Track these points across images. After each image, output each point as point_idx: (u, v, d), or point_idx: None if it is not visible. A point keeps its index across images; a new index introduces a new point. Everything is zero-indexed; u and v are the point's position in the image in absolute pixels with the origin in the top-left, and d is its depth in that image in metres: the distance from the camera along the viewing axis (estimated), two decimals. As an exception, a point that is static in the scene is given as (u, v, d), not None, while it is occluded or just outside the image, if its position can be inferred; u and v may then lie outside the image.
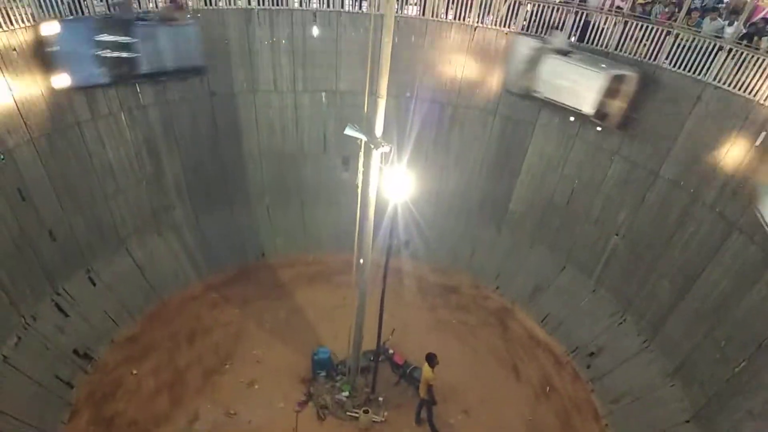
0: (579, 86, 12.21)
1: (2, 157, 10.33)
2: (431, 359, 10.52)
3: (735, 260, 10.61)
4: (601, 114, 12.24)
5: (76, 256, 12.45)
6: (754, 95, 10.51)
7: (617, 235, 13.35)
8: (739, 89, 10.77)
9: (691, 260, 11.57)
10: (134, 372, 12.04)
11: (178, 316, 13.67)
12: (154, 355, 12.53)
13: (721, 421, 9.96)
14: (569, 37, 13.19)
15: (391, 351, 12.71)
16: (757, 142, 10.41)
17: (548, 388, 12.83)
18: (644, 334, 12.48)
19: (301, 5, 14.07)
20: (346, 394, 11.75)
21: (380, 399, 11.92)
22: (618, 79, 11.82)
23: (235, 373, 12.29)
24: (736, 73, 10.87)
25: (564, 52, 12.61)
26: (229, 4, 13.50)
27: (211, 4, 13.28)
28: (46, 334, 11.32)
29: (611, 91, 11.88)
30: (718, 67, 11.12)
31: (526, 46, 13.07)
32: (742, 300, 10.30)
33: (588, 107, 12.21)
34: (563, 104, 12.80)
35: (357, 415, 11.40)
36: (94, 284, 12.80)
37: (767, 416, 9.00)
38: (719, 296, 10.83)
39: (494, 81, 14.36)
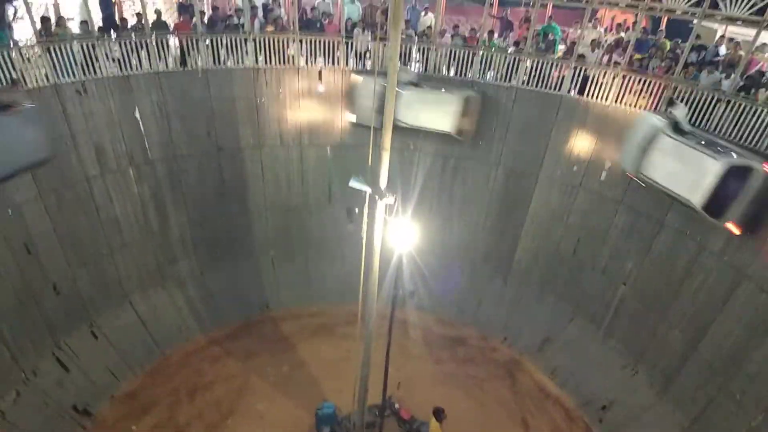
0: (689, 173, 10.46)
1: (10, 211, 10.45)
2: (438, 414, 10.23)
3: (746, 309, 10.45)
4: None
5: (79, 309, 12.41)
6: (756, 146, 10.62)
7: (625, 284, 13.22)
8: (740, 140, 10.90)
9: (701, 310, 11.40)
10: (134, 428, 11.75)
11: (179, 371, 13.43)
12: (155, 411, 12.24)
13: (741, 480, 9.58)
14: (569, 91, 13.50)
15: (397, 405, 12.39)
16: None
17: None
18: (657, 387, 12.16)
19: (306, 63, 14.51)
20: (351, 451, 11.41)
21: (386, 456, 11.54)
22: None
23: (237, 429, 11.97)
24: (736, 124, 11.05)
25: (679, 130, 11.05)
26: (237, 63, 13.93)
27: (219, 64, 13.70)
28: (46, 390, 11.13)
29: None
30: (718, 118, 11.32)
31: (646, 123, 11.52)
32: (756, 350, 10.10)
33: (698, 197, 10.33)
34: (669, 190, 11.04)
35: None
36: (96, 338, 12.68)
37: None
38: (732, 347, 10.61)
39: (496, 133, 14.59)
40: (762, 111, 10.63)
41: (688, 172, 10.42)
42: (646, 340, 12.62)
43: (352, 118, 14.71)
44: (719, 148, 10.23)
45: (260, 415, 12.36)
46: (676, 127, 11.01)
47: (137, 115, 12.77)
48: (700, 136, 10.87)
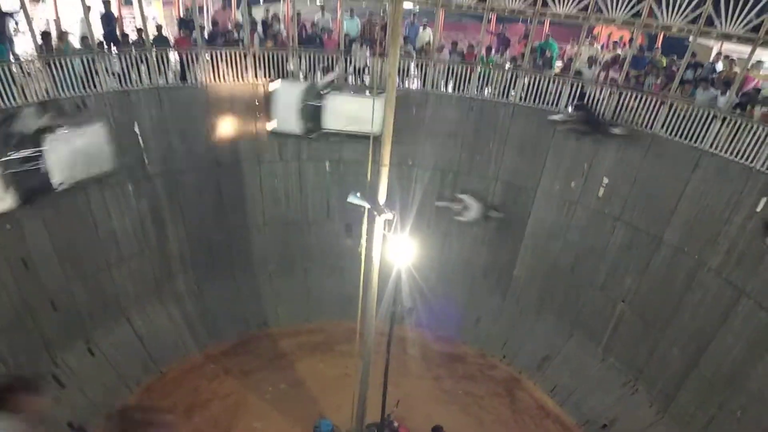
0: None
1: (9, 226, 10.42)
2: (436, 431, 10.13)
3: (745, 326, 10.43)
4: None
5: (76, 325, 12.32)
6: (752, 162, 10.67)
7: (623, 301, 13.19)
8: (736, 156, 10.95)
9: (700, 327, 11.37)
10: (129, 447, 11.57)
11: (176, 389, 13.31)
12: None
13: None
14: (566, 106, 13.56)
15: (395, 423, 12.22)
16: (758, 208, 10.47)
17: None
18: (657, 404, 12.08)
19: (305, 79, 14.57)
20: (349, 469, 11.26)
21: (384, 475, 11.39)
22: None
23: (234, 448, 11.85)
24: (732, 140, 11.10)
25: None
26: (237, 80, 13.97)
27: (220, 80, 13.76)
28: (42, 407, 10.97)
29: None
30: (714, 135, 11.37)
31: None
32: (756, 368, 10.06)
33: None
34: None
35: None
36: (93, 355, 12.58)
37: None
38: (732, 364, 10.57)
39: (494, 149, 14.63)
40: (757, 128, 10.69)
41: None
42: (645, 357, 12.56)
43: (273, 125, 14.62)
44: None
45: (257, 433, 12.25)
46: None
47: (136, 129, 12.79)
48: None
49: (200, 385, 13.46)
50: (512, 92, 14.05)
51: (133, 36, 13.45)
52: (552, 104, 13.68)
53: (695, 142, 11.63)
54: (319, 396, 13.31)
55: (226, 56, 13.62)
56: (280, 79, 14.12)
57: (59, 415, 11.25)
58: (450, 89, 14.63)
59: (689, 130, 11.73)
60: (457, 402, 13.60)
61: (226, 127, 14.21)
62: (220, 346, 14.72)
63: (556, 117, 13.24)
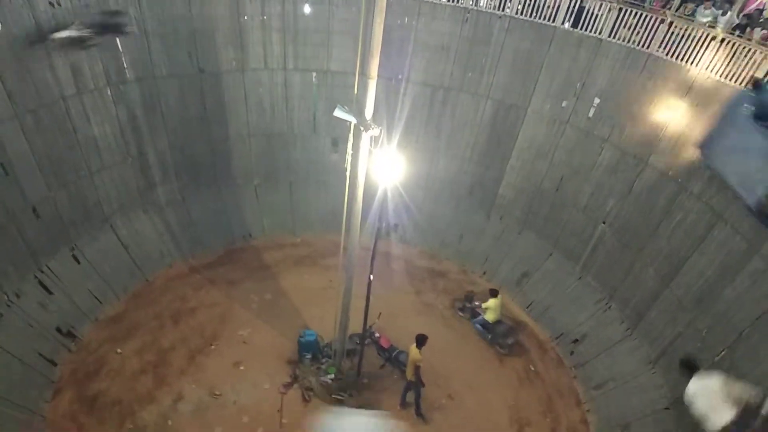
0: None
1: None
2: (420, 340, 10.55)
3: (720, 250, 10.69)
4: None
5: (60, 233, 12.28)
6: (746, 86, 10.49)
7: (604, 222, 13.41)
8: (731, 80, 10.77)
9: (676, 249, 11.65)
10: (119, 351, 11.97)
11: (162, 296, 13.57)
12: (139, 334, 12.45)
13: (699, 409, 10.12)
14: (563, 23, 13.10)
15: (377, 334, 12.74)
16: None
17: (532, 367, 13.02)
18: (628, 322, 12.61)
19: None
20: (332, 376, 11.79)
21: (365, 381, 11.96)
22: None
23: (220, 354, 12.26)
24: (729, 63, 10.87)
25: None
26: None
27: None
28: (29, 312, 11.19)
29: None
30: (711, 56, 11.11)
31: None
32: (725, 290, 10.41)
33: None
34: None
35: (342, 397, 11.46)
36: (79, 262, 12.65)
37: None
38: (703, 286, 10.93)
39: (486, 65, 14.24)
40: (755, 51, 10.44)
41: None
42: (620, 277, 12.95)
43: None
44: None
45: (243, 340, 12.64)
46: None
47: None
48: None
49: (186, 294, 13.73)
50: (509, 4, 13.47)
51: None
52: (549, 18, 13.18)
53: (691, 63, 11.39)
54: (304, 307, 13.69)
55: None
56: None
57: (48, 320, 11.50)
58: (446, -2, 13.99)
59: (686, 50, 11.44)
60: (437, 315, 14.09)
61: (209, 31, 13.56)
62: (205, 257, 14.89)
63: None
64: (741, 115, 9.26)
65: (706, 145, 10.34)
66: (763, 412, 6.47)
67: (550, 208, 14.63)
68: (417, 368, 10.71)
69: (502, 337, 13.26)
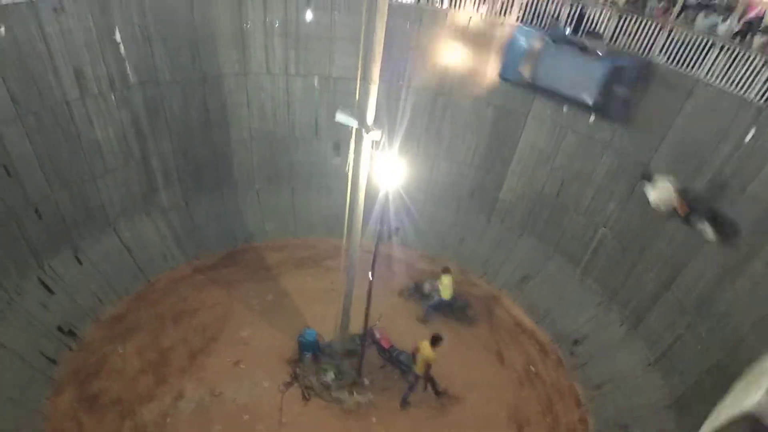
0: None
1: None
2: (436, 339, 10.74)
3: (719, 254, 10.75)
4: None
5: (62, 234, 12.37)
6: (745, 92, 10.60)
7: (605, 226, 13.47)
8: (731, 86, 10.86)
9: (676, 252, 11.71)
10: (120, 350, 12.02)
11: (164, 297, 13.62)
12: (140, 334, 12.50)
13: (698, 410, 10.11)
14: (564, 28, 13.19)
15: (378, 335, 12.78)
16: (747, 139, 10.52)
17: (532, 368, 13.05)
18: (627, 324, 12.66)
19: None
20: (332, 376, 11.83)
21: (366, 382, 12.01)
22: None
23: (220, 354, 12.31)
24: (728, 69, 10.96)
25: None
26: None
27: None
28: (31, 310, 11.27)
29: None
30: (711, 63, 11.20)
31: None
32: (725, 293, 10.47)
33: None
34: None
35: (342, 397, 11.51)
36: (81, 263, 12.73)
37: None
38: (703, 289, 10.99)
39: (488, 70, 14.33)
40: (755, 57, 10.53)
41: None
42: (621, 280, 13.01)
43: None
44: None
45: (244, 341, 12.69)
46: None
47: (117, 37, 12.27)
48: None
49: (188, 295, 13.79)
50: (510, 12, 13.57)
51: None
52: (550, 26, 13.28)
53: (691, 70, 11.47)
54: (305, 307, 13.73)
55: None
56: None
57: (49, 318, 11.57)
58: (445, 5, 14.09)
59: (686, 57, 11.53)
60: (436, 317, 14.10)
61: (212, 36, 13.69)
62: (207, 259, 14.96)
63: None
64: (547, 43, 12.48)
65: (534, 71, 12.82)
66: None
67: (550, 211, 14.69)
68: (428, 366, 10.87)
69: (461, 311, 13.76)
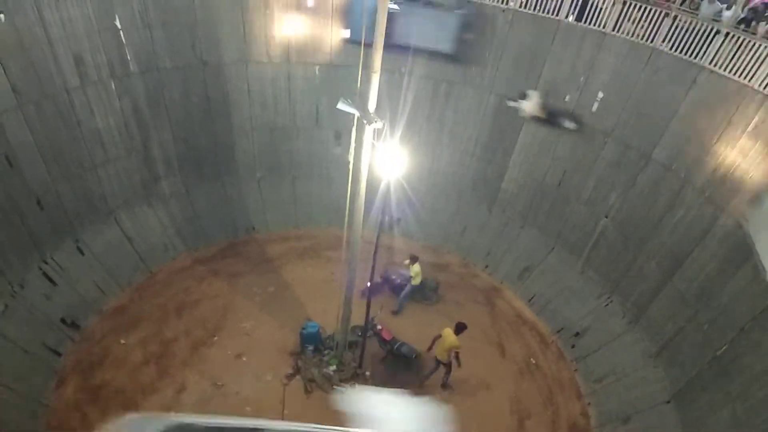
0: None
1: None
2: (460, 327, 11.06)
3: (722, 245, 10.72)
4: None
5: (64, 225, 12.35)
6: (749, 80, 10.49)
7: (607, 217, 13.41)
8: (735, 74, 10.75)
9: (678, 243, 11.67)
10: (122, 342, 12.05)
11: (166, 289, 13.64)
12: (142, 326, 12.53)
13: (700, 402, 10.17)
14: (567, 16, 13.06)
15: (379, 327, 12.78)
16: (750, 128, 10.44)
17: (533, 360, 13.07)
18: (629, 316, 12.64)
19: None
20: (334, 368, 11.85)
21: (367, 374, 12.03)
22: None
23: (222, 346, 12.33)
24: (732, 57, 10.84)
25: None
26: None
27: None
28: (34, 302, 11.28)
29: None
30: (715, 51, 11.08)
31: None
32: (727, 284, 10.43)
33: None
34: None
35: (344, 389, 11.53)
36: (83, 254, 12.72)
37: (744, 398, 9.19)
38: (705, 280, 10.96)
39: (491, 57, 14.21)
40: (759, 45, 10.41)
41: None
42: (622, 271, 12.98)
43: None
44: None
45: (246, 332, 12.71)
46: None
47: (117, 23, 12.17)
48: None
49: (190, 286, 13.80)
50: (512, -3, 13.48)
51: None
52: (552, 12, 13.14)
53: (695, 58, 11.35)
54: (306, 299, 13.74)
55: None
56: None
57: (52, 310, 11.59)
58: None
59: (690, 45, 11.40)
60: (438, 308, 14.12)
61: (214, 24, 13.57)
62: (208, 250, 14.96)
63: (512, 104, 14.18)
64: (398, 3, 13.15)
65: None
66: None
67: (552, 202, 14.63)
68: (456, 353, 11.10)
69: (432, 291, 14.27)
